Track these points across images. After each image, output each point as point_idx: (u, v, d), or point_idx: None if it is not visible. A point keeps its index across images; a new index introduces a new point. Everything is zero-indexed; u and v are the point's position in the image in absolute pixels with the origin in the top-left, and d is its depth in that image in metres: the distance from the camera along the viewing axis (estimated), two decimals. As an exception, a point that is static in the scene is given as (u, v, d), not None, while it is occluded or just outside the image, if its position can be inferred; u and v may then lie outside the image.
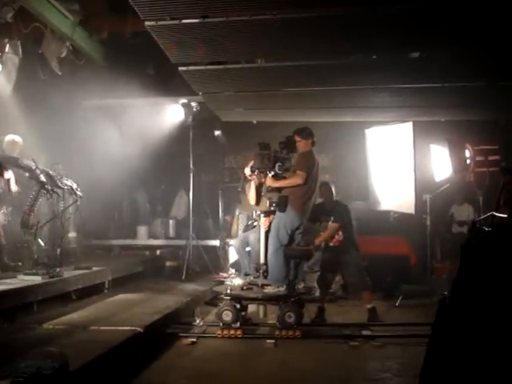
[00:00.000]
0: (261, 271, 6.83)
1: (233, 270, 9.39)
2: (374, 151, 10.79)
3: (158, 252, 11.04)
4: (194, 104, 10.29)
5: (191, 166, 10.05)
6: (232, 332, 6.47)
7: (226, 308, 6.57)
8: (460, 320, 2.93)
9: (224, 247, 10.53)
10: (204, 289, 8.41)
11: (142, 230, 11.46)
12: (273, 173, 6.79)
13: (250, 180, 7.18)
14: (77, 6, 9.01)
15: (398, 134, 9.75)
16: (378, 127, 10.46)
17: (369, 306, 7.47)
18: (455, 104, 8.39)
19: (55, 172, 6.95)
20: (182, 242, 10.44)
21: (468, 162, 9.19)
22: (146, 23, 5.28)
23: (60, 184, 6.89)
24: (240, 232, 10.66)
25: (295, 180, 6.79)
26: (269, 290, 6.73)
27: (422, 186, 9.37)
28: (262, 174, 6.89)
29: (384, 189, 10.50)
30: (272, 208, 6.88)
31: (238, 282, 7.03)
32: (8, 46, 8.71)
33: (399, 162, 9.71)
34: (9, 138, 7.63)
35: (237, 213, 10.98)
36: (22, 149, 7.65)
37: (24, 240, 7.09)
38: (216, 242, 10.70)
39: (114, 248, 11.08)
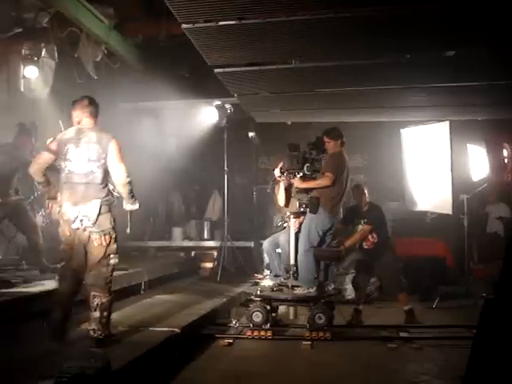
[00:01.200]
0: (291, 272, 6.81)
1: (268, 272, 9.39)
2: (410, 151, 10.66)
3: (192, 253, 11.09)
4: (228, 106, 10.31)
5: (225, 168, 10.06)
6: (262, 333, 6.46)
7: (256, 309, 6.57)
8: (506, 322, 2.87)
9: (259, 248, 10.50)
10: (239, 290, 8.41)
11: (177, 232, 11.53)
12: (301, 174, 6.75)
13: (280, 181, 7.16)
14: (111, 10, 9.11)
15: (435, 133, 9.61)
16: (413, 127, 10.33)
17: (406, 308, 7.38)
18: (492, 102, 8.26)
19: None
20: (216, 244, 10.49)
21: (506, 161, 9.04)
22: (183, 26, 5.31)
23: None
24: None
25: (323, 181, 6.75)
26: (299, 291, 6.71)
27: (459, 186, 9.23)
28: (290, 175, 6.86)
29: (420, 189, 10.36)
30: (302, 209, 6.85)
31: (268, 283, 7.02)
32: (44, 50, 8.86)
33: (436, 162, 9.57)
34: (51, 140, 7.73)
35: (271, 214, 10.97)
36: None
37: (63, 242, 7.17)
38: (251, 244, 10.68)
39: (150, 249, 11.16)
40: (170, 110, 11.08)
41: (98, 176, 5.00)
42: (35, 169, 5.12)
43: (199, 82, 10.56)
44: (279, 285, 6.87)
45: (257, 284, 9.02)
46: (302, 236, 6.82)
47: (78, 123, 5.11)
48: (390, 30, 5.54)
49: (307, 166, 6.73)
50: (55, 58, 8.97)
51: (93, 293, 4.94)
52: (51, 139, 5.15)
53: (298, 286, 6.72)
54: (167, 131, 10.90)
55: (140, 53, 10.29)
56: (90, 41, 8.84)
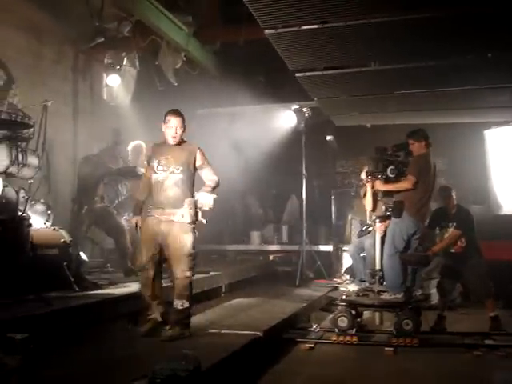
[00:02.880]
0: (376, 277, 6.70)
1: (347, 276, 9.30)
2: (495, 153, 10.31)
3: (271, 257, 11.11)
4: (305, 109, 10.29)
5: (304, 172, 10.03)
6: (348, 338, 6.37)
7: (341, 314, 6.48)
8: None
9: (337, 253, 10.42)
10: (319, 294, 8.36)
11: (255, 235, 11.59)
12: (384, 177, 6.64)
13: (366, 185, 7.07)
14: (190, 17, 9.30)
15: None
16: (498, 128, 9.99)
17: (492, 315, 7.10)
18: None
19: None
20: (294, 248, 10.48)
21: None
22: (266, 31, 5.36)
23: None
24: (353, 237, 10.56)
25: (403, 184, 6.60)
26: (385, 296, 6.58)
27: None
28: (374, 179, 6.76)
29: (506, 192, 10.01)
30: (388, 213, 6.73)
31: (353, 287, 6.93)
32: (126, 58, 9.13)
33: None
34: (134, 144, 7.98)
35: (349, 218, 10.85)
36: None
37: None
38: (329, 248, 10.60)
39: (229, 253, 11.27)
40: (247, 114, 11.16)
41: None
42: None
43: (275, 86, 10.64)
44: (365, 290, 6.77)
45: (336, 288, 8.99)
46: (387, 241, 6.71)
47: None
48: (472, 29, 5.44)
49: (391, 169, 6.60)
50: (136, 66, 9.23)
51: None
52: None
53: (384, 291, 6.61)
54: (244, 136, 10.98)
55: (217, 59, 10.44)
56: (170, 48, 9.06)
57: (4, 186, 5.95)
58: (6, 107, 7.47)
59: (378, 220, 6.86)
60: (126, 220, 7.60)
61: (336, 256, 10.42)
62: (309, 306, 7.61)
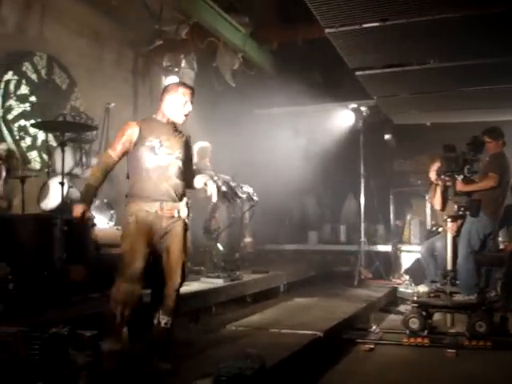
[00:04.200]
0: (448, 278, 6.57)
1: (406, 277, 9.18)
2: None
3: (328, 257, 11.07)
4: (363, 108, 10.20)
5: (362, 171, 9.95)
6: (419, 340, 6.26)
7: (412, 315, 6.38)
8: None
9: (396, 253, 10.29)
10: (378, 295, 8.26)
11: (313, 235, 11.57)
12: (462, 176, 6.50)
13: (436, 184, 6.93)
14: (247, 18, 9.35)
15: None
16: None
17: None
18: None
19: (235, 182, 7.21)
20: (352, 248, 10.40)
21: None
22: (327, 30, 5.36)
23: (240, 194, 7.12)
24: (412, 237, 10.42)
25: (488, 183, 6.46)
26: (458, 297, 6.44)
27: None
28: (448, 178, 6.61)
29: None
30: (460, 212, 6.60)
31: (423, 288, 6.82)
32: (184, 60, 9.25)
33: None
34: (200, 144, 8.09)
35: (408, 218, 10.72)
36: (211, 154, 8.13)
37: (206, 244, 7.44)
38: (388, 248, 10.48)
39: (286, 253, 11.28)
40: (304, 114, 11.15)
41: None
42: None
43: (332, 85, 10.59)
44: (436, 291, 6.64)
45: (395, 289, 8.88)
46: (461, 240, 6.58)
47: None
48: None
49: (467, 168, 6.43)
50: (194, 68, 9.33)
51: None
52: None
53: (456, 293, 6.48)
54: (301, 135, 10.98)
55: (273, 59, 10.47)
56: (228, 50, 9.13)
57: (69, 187, 6.14)
58: (69, 110, 7.76)
59: (449, 220, 6.73)
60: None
61: (395, 256, 10.28)
62: (368, 307, 7.53)
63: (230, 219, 7.57)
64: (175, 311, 4.14)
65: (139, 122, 4.17)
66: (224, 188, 6.90)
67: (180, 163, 4.16)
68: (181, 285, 4.12)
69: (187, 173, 4.29)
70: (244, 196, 7.22)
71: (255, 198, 7.39)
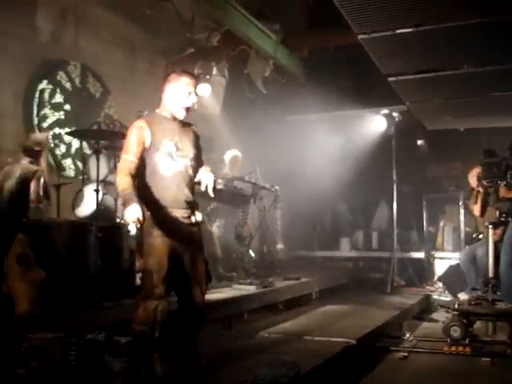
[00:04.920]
0: (490, 285, 6.46)
1: (440, 284, 9.07)
2: None
3: (360, 264, 11.00)
4: (395, 114, 10.13)
5: (394, 177, 9.88)
6: (460, 348, 6.15)
7: (453, 323, 6.27)
8: None
9: (429, 260, 10.18)
10: (411, 302, 8.17)
11: (345, 242, 11.51)
12: (504, 182, 6.34)
13: (477, 190, 6.82)
14: (278, 25, 9.38)
15: None
16: None
17: None
18: None
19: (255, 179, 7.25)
20: (385, 254, 10.32)
21: None
22: (360, 36, 5.33)
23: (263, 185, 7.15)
24: (445, 244, 10.30)
25: None
26: (500, 305, 6.32)
27: None
28: (490, 184, 6.50)
29: None
30: (502, 219, 6.48)
31: (463, 296, 6.71)
32: (215, 68, 9.31)
33: None
34: (232, 153, 8.15)
35: (441, 224, 10.59)
36: (241, 163, 8.18)
37: (238, 251, 7.46)
38: (421, 255, 10.37)
39: (318, 259, 11.24)
40: (335, 120, 11.12)
41: None
42: None
43: (362, 91, 10.55)
44: (477, 298, 6.52)
45: (428, 297, 8.77)
46: (504, 247, 6.45)
47: None
48: None
49: (510, 174, 6.30)
50: (226, 75, 9.39)
51: None
52: None
53: (499, 300, 6.36)
54: (333, 141, 10.95)
55: (304, 65, 10.48)
56: (259, 57, 9.16)
57: (103, 194, 6.21)
58: (103, 118, 7.88)
59: (490, 226, 6.62)
60: (218, 227, 7.72)
61: (428, 263, 10.17)
62: (401, 314, 7.44)
63: (259, 220, 7.58)
64: (202, 318, 4.04)
65: (148, 123, 3.78)
66: (221, 186, 6.89)
67: (194, 164, 3.90)
68: (203, 297, 3.94)
69: (198, 169, 4.00)
70: (266, 186, 7.24)
71: (276, 187, 7.41)
